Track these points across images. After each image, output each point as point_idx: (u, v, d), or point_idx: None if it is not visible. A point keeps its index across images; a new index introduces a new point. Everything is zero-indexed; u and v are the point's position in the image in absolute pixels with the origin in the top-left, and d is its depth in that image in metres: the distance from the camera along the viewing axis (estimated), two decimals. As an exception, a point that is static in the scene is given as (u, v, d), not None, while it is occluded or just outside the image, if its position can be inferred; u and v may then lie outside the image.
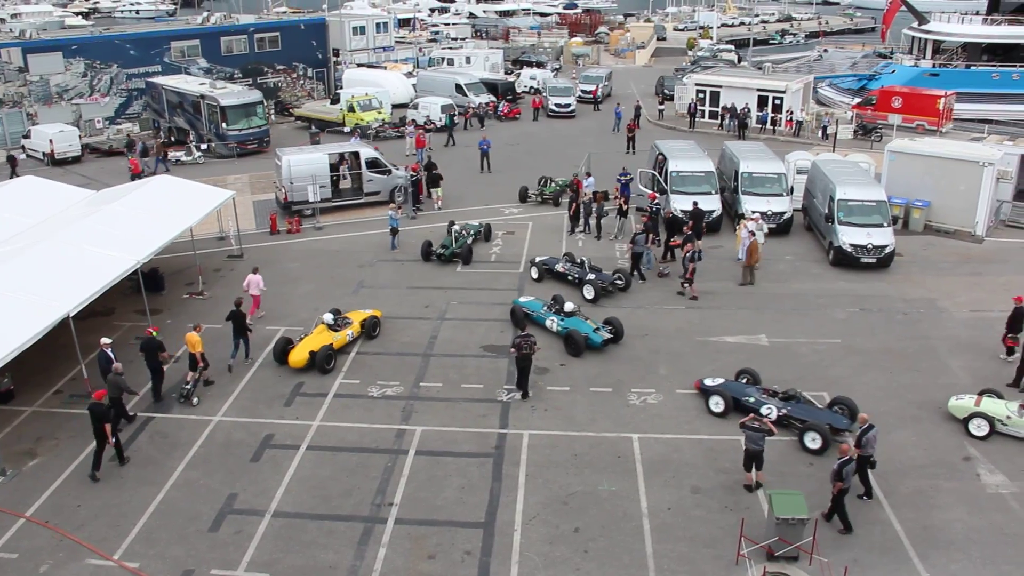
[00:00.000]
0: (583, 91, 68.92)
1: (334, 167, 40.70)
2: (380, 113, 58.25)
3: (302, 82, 69.29)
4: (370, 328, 27.32)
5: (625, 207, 36.58)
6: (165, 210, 30.21)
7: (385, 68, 74.25)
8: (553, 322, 27.18)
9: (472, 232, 35.55)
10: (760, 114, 57.99)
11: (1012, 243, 36.58)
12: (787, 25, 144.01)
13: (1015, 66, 74.00)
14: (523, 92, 71.14)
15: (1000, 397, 22.58)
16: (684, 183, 37.09)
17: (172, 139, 55.63)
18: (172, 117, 55.94)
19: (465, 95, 62.97)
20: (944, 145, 41.01)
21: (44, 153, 51.38)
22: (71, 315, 22.50)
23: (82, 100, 58.52)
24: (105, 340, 23.18)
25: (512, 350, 23.99)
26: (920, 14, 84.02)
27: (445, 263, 33.65)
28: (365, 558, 17.53)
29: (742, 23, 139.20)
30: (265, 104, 55.60)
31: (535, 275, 32.03)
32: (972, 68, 75.13)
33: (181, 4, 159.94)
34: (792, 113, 57.67)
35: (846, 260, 33.17)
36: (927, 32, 79.07)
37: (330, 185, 39.87)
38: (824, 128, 55.67)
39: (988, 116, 61.44)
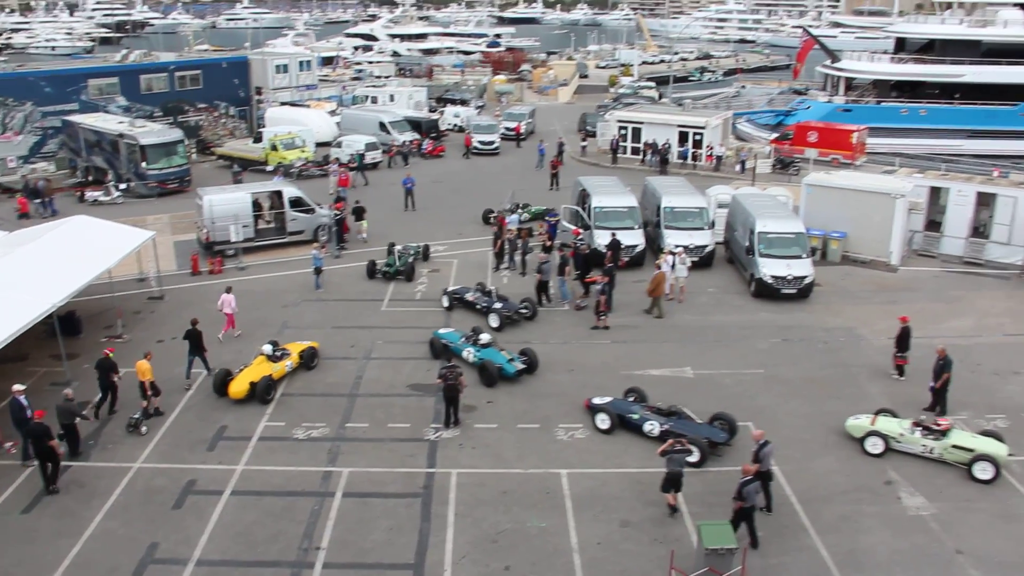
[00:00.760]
0: (507, 128, 69.30)
1: (258, 206, 40.27)
2: (303, 152, 57.85)
3: (224, 120, 68.43)
4: (308, 359, 27.57)
5: (549, 243, 36.82)
6: (82, 251, 29.54)
7: (308, 106, 73.89)
8: (470, 353, 27.47)
9: (412, 252, 37.38)
10: (681, 149, 58.99)
11: (924, 271, 37.72)
12: (706, 63, 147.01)
13: (921, 102, 76.81)
14: (447, 130, 71.36)
15: (895, 415, 23.45)
16: (607, 218, 37.52)
17: (89, 179, 54.41)
18: (90, 156, 54.75)
19: (389, 133, 62.93)
20: (858, 178, 42.23)
21: (-46, 194, 49.88)
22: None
23: (-6, 139, 57.06)
24: (17, 387, 22.47)
25: (439, 380, 24.12)
26: (832, 52, 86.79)
27: (390, 279, 35.87)
28: (292, 604, 17.18)
29: (662, 61, 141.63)
30: (186, 143, 54.78)
31: (446, 304, 32.97)
32: (883, 104, 77.70)
33: (100, 41, 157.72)
34: (712, 148, 58.77)
35: (767, 291, 33.80)
36: (839, 70, 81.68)
37: (253, 225, 39.40)
38: (743, 162, 56.82)
39: (898, 150, 63.37)
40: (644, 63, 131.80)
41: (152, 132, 52.18)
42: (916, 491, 21.14)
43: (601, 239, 36.20)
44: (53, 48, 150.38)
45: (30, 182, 49.91)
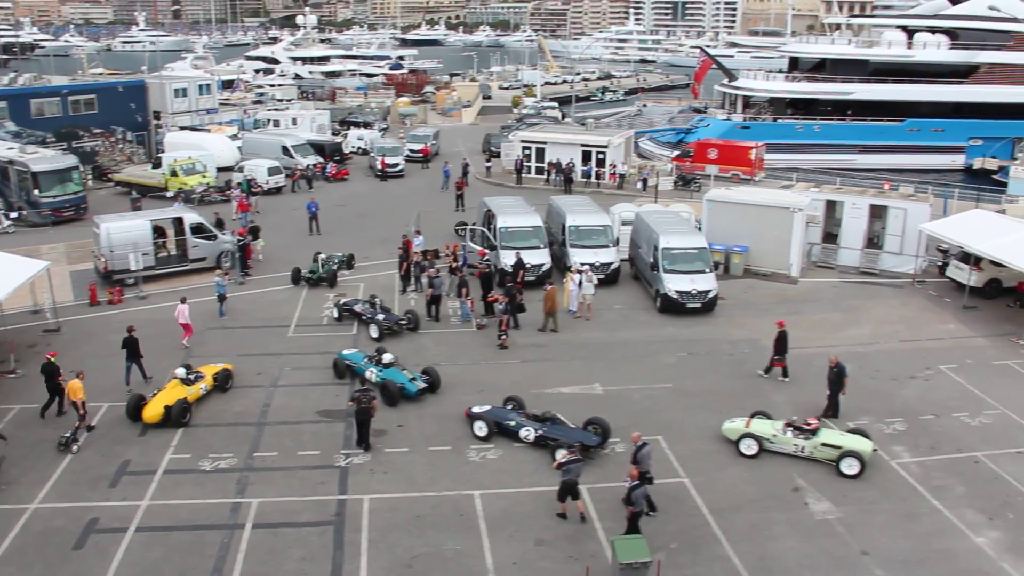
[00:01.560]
0: (411, 150, 69.03)
1: (159, 232, 39.34)
2: (204, 177, 56.73)
3: (121, 146, 66.62)
4: (223, 381, 27.33)
5: (455, 265, 36.78)
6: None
7: (209, 131, 72.60)
8: (372, 373, 27.51)
9: (337, 261, 39.02)
10: (585, 168, 59.61)
11: (823, 282, 38.85)
12: (607, 83, 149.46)
13: (816, 119, 79.47)
14: (351, 152, 70.85)
15: (769, 417, 24.30)
16: (513, 238, 37.66)
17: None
18: (-23, 185, 52.80)
19: (292, 157, 62.16)
20: (757, 193, 43.34)
21: None
22: None
23: None
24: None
25: (350, 403, 24.00)
26: (729, 72, 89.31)
27: (313, 285, 37.61)
28: (201, 642, 16.70)
29: (565, 81, 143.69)
30: (82, 169, 53.14)
31: (335, 315, 33.79)
32: (779, 121, 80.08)
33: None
34: (615, 167, 59.55)
35: (672, 306, 34.35)
36: (736, 88, 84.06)
37: (153, 252, 38.45)
38: (644, 180, 57.67)
39: (795, 165, 65.29)
40: (547, 84, 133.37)
41: (45, 158, 50.50)
42: (822, 496, 21.71)
43: (507, 259, 36.34)
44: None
45: None
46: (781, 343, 28.28)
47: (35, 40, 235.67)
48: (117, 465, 23.07)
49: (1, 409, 25.92)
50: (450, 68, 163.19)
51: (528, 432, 23.84)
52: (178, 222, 40.04)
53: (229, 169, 60.85)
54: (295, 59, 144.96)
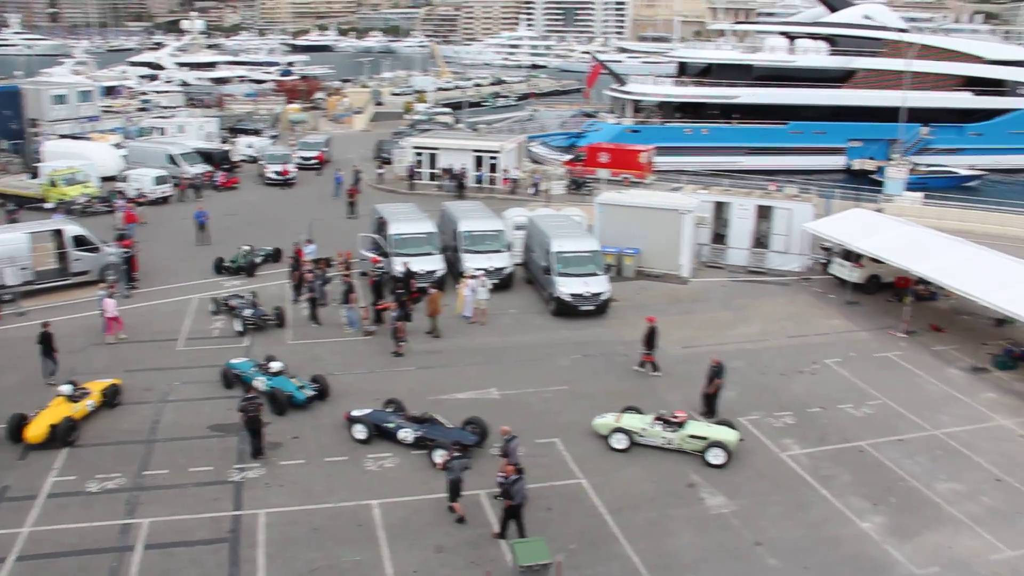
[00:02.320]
0: (303, 158, 67.98)
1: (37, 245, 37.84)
2: (86, 187, 54.80)
3: (-5, 156, 64.11)
4: (111, 396, 26.49)
5: (348, 275, 36.30)
6: None
7: (91, 139, 70.22)
8: (261, 382, 27.09)
9: (263, 254, 41.00)
10: (477, 174, 59.72)
11: (713, 282, 39.80)
12: (499, 88, 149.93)
13: (703, 122, 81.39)
14: (240, 160, 69.41)
15: (639, 412, 24.96)
16: (406, 245, 37.46)
17: None
18: None
19: (179, 165, 60.54)
20: (648, 196, 44.21)
21: None
22: None
23: None
24: None
25: (239, 413, 23.66)
26: (619, 76, 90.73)
27: (233, 274, 39.42)
28: (90, 669, 16.12)
29: (456, 87, 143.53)
30: (-48, 182, 50.97)
31: (212, 308, 34.75)
32: (668, 124, 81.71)
33: None
34: (507, 172, 59.79)
35: (566, 309, 34.68)
36: (626, 93, 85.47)
37: (31, 266, 36.99)
38: (536, 184, 58.03)
39: (684, 167, 66.67)
40: (439, 89, 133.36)
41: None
42: (717, 491, 22.28)
43: (400, 266, 36.13)
44: None
45: None
46: (650, 338, 29.07)
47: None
48: (-5, 491, 22.11)
49: None
50: (341, 74, 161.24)
51: (407, 434, 24.02)
52: (58, 234, 38.60)
53: (113, 179, 58.93)
54: (181, 65, 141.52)
